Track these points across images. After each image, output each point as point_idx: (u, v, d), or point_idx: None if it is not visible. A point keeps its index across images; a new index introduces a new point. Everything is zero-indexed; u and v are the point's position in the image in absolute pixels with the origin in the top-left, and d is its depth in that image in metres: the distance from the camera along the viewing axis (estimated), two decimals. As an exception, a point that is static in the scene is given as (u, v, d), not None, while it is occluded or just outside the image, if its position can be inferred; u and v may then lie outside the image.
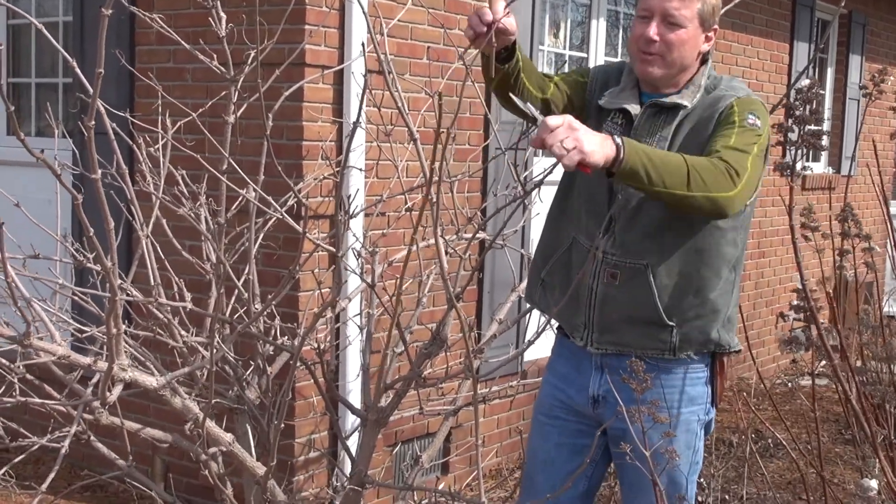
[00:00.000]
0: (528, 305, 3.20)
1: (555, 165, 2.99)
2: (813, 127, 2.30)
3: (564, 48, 6.05)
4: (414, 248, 2.28)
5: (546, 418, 3.04)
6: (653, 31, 2.73)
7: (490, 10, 2.53)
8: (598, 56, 6.18)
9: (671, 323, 2.78)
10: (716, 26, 2.83)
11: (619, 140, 2.43)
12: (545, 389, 3.07)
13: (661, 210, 2.72)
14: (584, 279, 2.84)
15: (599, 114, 2.90)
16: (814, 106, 2.38)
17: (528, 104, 2.59)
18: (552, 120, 2.37)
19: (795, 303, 2.83)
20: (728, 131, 2.65)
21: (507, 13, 2.55)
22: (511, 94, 2.70)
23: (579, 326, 2.89)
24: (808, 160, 8.45)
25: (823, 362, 2.95)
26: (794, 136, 2.31)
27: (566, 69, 6.10)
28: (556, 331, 3.11)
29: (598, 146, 2.37)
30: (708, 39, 2.82)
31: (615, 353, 2.84)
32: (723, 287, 2.82)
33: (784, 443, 3.07)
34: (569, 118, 2.38)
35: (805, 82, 2.32)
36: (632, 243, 2.77)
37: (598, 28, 6.16)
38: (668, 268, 2.76)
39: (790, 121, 2.29)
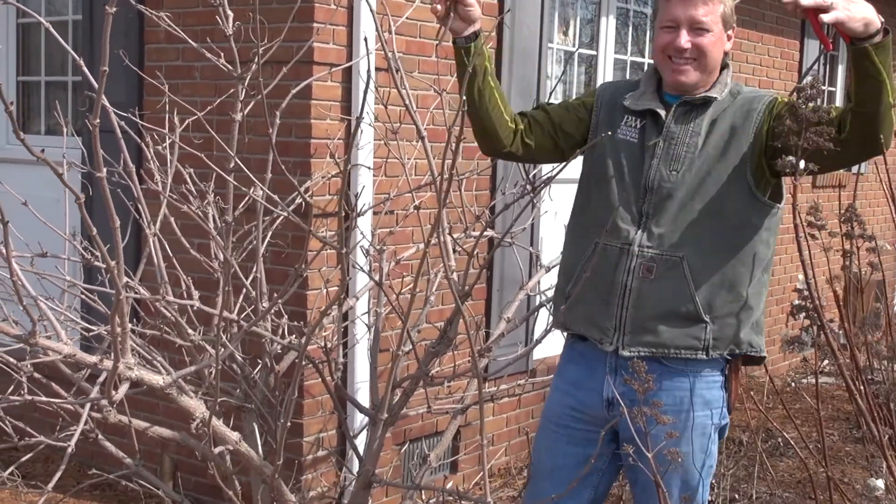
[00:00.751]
0: (536, 304, 3.20)
1: (567, 162, 2.99)
2: (817, 125, 2.29)
3: (574, 46, 6.04)
4: (422, 246, 2.27)
5: (555, 426, 3.02)
6: (683, 39, 2.77)
7: None
8: (607, 54, 6.16)
9: (706, 318, 2.77)
10: (734, 24, 2.89)
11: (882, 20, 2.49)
12: (554, 396, 3.05)
13: (697, 202, 2.77)
14: (617, 275, 2.82)
15: (612, 118, 2.93)
16: (818, 103, 2.37)
17: None
18: None
19: (797, 302, 2.82)
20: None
21: None
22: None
23: (609, 329, 2.85)
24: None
25: (828, 361, 2.95)
26: (795, 139, 2.30)
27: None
28: (568, 337, 3.08)
29: (865, 12, 2.46)
30: (729, 38, 2.88)
31: (645, 357, 2.78)
32: (755, 287, 2.83)
33: (792, 442, 3.06)
34: None
35: (807, 79, 2.30)
36: (668, 236, 2.78)
37: (608, 25, 6.14)
38: (704, 261, 2.77)
39: (794, 119, 2.28)
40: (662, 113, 2.85)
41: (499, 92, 2.92)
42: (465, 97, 2.71)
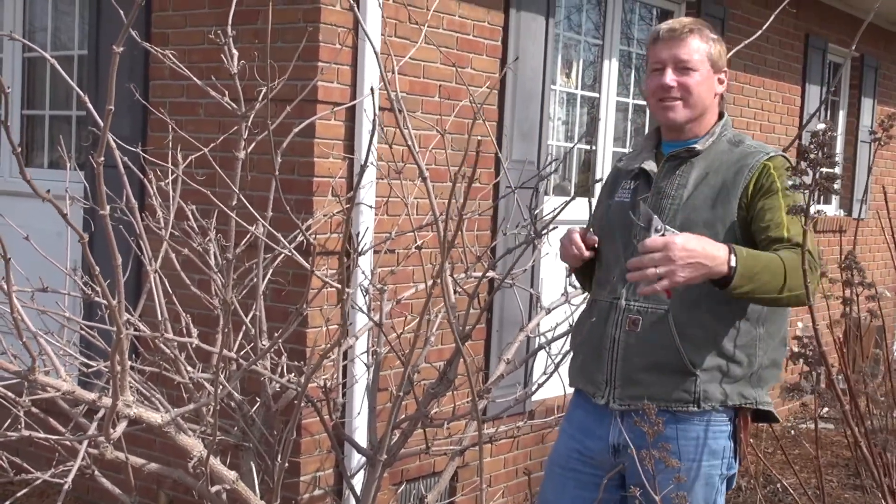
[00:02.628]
0: (535, 345, 3.21)
1: (564, 205, 3.02)
2: (827, 170, 2.29)
3: (577, 88, 6.07)
4: (423, 286, 2.27)
5: (561, 469, 3.00)
6: (668, 77, 2.82)
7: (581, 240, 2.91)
8: (609, 96, 6.19)
9: (695, 371, 2.76)
10: (726, 69, 2.91)
11: (733, 263, 2.54)
12: (561, 440, 3.05)
13: None
14: (607, 329, 2.85)
15: (614, 185, 3.02)
16: (828, 150, 2.38)
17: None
18: (650, 242, 2.52)
19: (797, 350, 2.81)
20: (773, 202, 2.71)
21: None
22: None
23: (601, 384, 2.88)
24: (819, 203, 8.43)
25: (827, 408, 2.93)
26: (807, 180, 2.30)
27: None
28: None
29: (694, 272, 2.51)
30: (721, 81, 2.90)
31: (635, 410, 2.78)
32: (744, 340, 2.80)
33: (790, 489, 3.04)
34: (672, 242, 2.51)
35: (820, 126, 2.31)
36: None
37: (611, 68, 6.18)
38: (689, 315, 2.77)
39: (804, 164, 2.28)
40: (652, 170, 2.89)
41: None
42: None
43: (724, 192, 2.77)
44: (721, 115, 2.93)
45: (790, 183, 2.66)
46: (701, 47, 2.82)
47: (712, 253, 2.53)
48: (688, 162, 2.85)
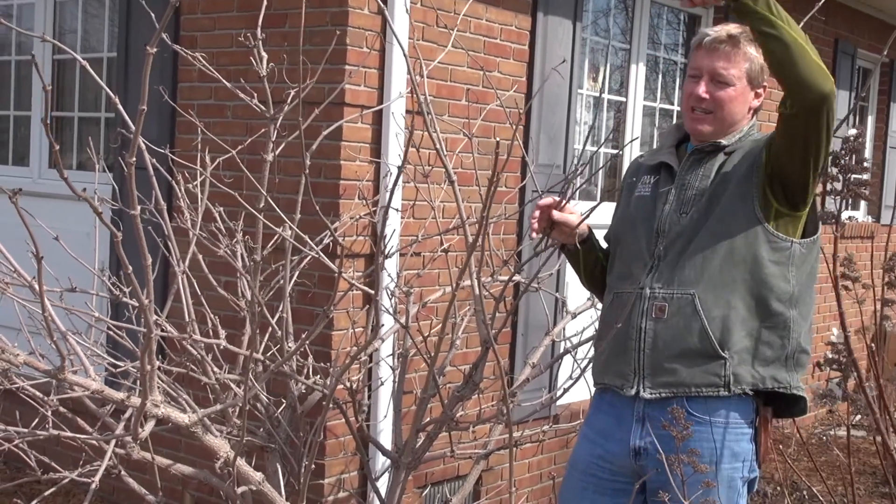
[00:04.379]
0: (561, 350, 3.20)
1: (592, 210, 3.01)
2: (858, 176, 2.28)
3: (603, 92, 6.05)
4: (449, 289, 2.27)
5: (581, 474, 2.99)
6: (702, 89, 2.82)
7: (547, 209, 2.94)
8: (637, 101, 6.18)
9: (724, 354, 2.75)
10: (765, 83, 2.89)
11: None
12: (582, 445, 3.03)
13: (706, 240, 2.78)
14: (633, 319, 2.84)
15: (634, 181, 3.02)
16: (860, 155, 2.37)
17: None
18: None
19: (830, 356, 2.79)
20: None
21: (564, 208, 2.93)
22: None
23: (629, 375, 2.86)
24: (848, 209, 8.38)
25: (859, 416, 2.91)
26: (838, 185, 2.29)
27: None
28: (595, 387, 3.08)
29: None
30: (758, 96, 2.89)
31: (666, 398, 2.78)
32: (776, 322, 2.79)
33: (819, 496, 3.02)
34: None
35: (852, 131, 2.30)
36: (678, 274, 2.80)
37: (638, 73, 6.16)
38: (716, 297, 2.76)
39: (836, 169, 2.27)
40: (675, 164, 2.90)
41: (605, 256, 3.09)
42: (584, 283, 3.16)
43: (744, 175, 2.78)
44: (751, 117, 2.93)
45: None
46: (741, 62, 2.80)
47: None
48: (713, 156, 2.86)
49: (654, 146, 3.07)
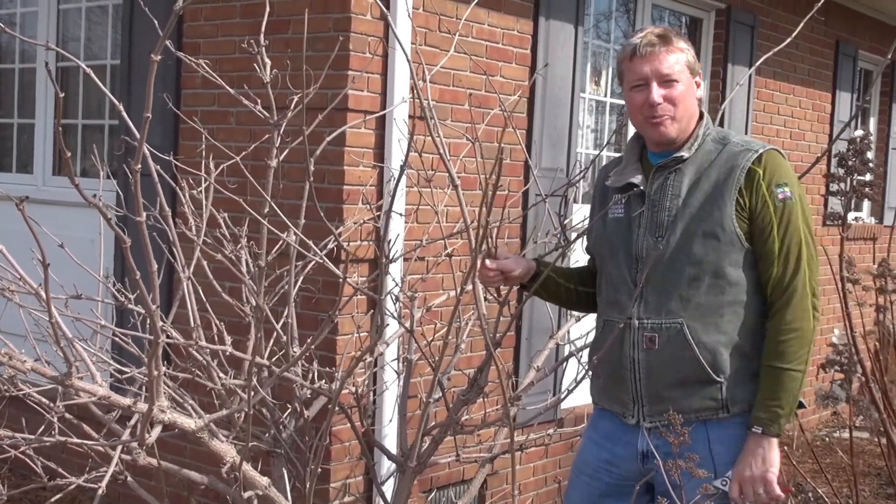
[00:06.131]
0: (565, 353, 3.21)
1: (602, 212, 3.01)
2: (862, 177, 2.28)
3: (606, 96, 6.06)
4: (453, 293, 2.28)
5: (588, 478, 2.99)
6: (655, 94, 2.78)
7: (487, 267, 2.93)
8: (638, 104, 6.17)
9: (718, 378, 2.75)
10: (700, 70, 2.90)
11: (771, 433, 2.71)
12: (588, 448, 3.03)
13: (686, 264, 2.75)
14: (625, 349, 2.84)
15: (605, 201, 2.98)
16: (866, 156, 2.37)
17: None
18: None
19: (832, 357, 2.79)
20: (768, 227, 2.73)
21: (500, 259, 2.96)
22: None
23: (628, 403, 2.87)
24: (852, 209, 8.38)
25: (862, 417, 2.90)
26: (843, 186, 2.29)
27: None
28: (595, 406, 3.09)
29: (772, 464, 2.71)
30: (698, 85, 2.88)
31: (668, 425, 2.75)
32: (759, 337, 2.78)
33: (825, 497, 3.02)
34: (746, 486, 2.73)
35: (858, 132, 2.30)
36: (664, 303, 2.78)
37: (639, 76, 6.16)
38: (704, 324, 2.75)
39: (842, 171, 2.27)
40: (643, 183, 2.86)
41: (567, 280, 3.12)
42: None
43: (719, 195, 2.74)
44: (701, 116, 2.89)
45: (780, 191, 2.71)
46: (679, 57, 2.79)
47: (766, 454, 2.71)
48: (676, 170, 2.82)
49: (615, 159, 3.04)
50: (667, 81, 2.78)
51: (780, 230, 2.71)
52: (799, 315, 2.70)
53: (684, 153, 2.81)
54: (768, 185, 2.72)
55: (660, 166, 2.84)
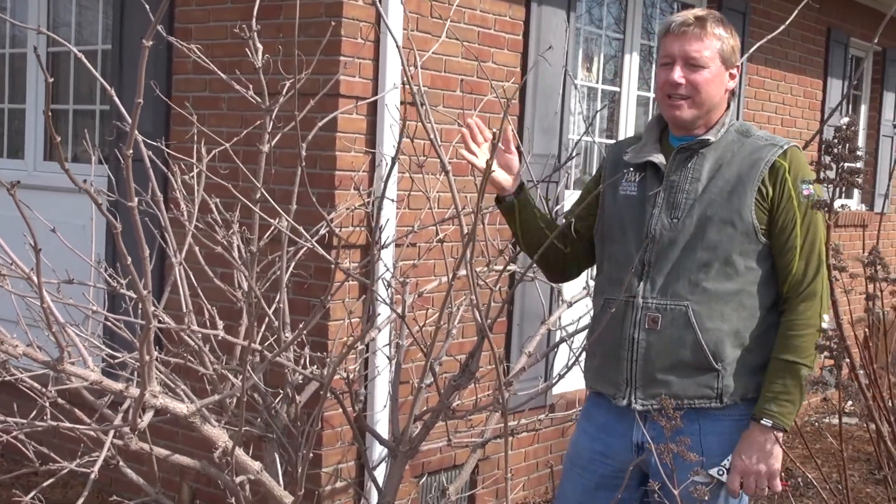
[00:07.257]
0: (557, 339, 3.21)
1: (592, 195, 3.00)
2: (851, 164, 2.29)
3: (597, 82, 6.07)
4: (445, 279, 2.29)
5: (582, 469, 2.97)
6: (677, 74, 2.76)
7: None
8: (630, 90, 6.19)
9: (717, 366, 2.75)
10: (738, 63, 2.86)
11: (780, 427, 2.72)
12: (582, 440, 3.01)
13: (699, 249, 2.75)
14: (625, 329, 2.82)
15: (616, 175, 2.95)
16: (853, 144, 2.37)
17: None
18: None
19: (821, 342, 2.80)
20: (791, 221, 2.74)
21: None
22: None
23: (621, 384, 2.85)
24: (841, 197, 8.41)
25: (851, 402, 2.92)
26: (831, 174, 2.29)
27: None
28: (588, 390, 3.07)
29: (777, 458, 2.74)
30: (732, 77, 2.84)
31: (658, 409, 2.76)
32: (766, 330, 2.78)
33: (814, 482, 3.04)
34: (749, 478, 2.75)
35: (844, 120, 2.30)
36: (671, 284, 2.77)
37: (632, 62, 6.17)
38: (710, 310, 2.75)
39: (828, 158, 2.28)
40: (662, 163, 2.84)
41: (541, 219, 3.03)
42: (521, 245, 3.05)
43: (740, 185, 2.73)
44: (727, 106, 2.87)
45: (805, 188, 2.71)
46: (712, 43, 2.75)
47: (773, 448, 2.72)
48: (699, 154, 2.80)
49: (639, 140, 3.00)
50: (692, 65, 2.75)
51: (803, 226, 2.72)
52: (817, 313, 2.72)
53: (710, 137, 2.80)
54: (794, 180, 2.72)
55: (682, 148, 2.82)
